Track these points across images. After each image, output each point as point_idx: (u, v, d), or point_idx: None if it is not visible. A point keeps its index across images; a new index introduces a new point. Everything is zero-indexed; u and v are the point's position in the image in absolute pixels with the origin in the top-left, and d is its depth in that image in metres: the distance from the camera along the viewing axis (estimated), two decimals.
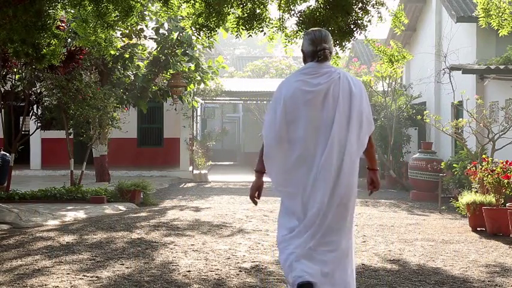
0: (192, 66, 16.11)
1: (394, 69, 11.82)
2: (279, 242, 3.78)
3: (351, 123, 3.69)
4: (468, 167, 9.06)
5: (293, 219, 3.73)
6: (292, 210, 3.75)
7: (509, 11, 7.67)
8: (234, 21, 7.45)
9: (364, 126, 3.75)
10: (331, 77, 3.70)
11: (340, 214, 3.68)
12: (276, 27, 7.62)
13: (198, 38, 9.04)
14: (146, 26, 14.95)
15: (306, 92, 3.69)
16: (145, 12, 13.81)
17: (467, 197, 8.14)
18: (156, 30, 15.21)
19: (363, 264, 5.52)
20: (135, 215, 8.83)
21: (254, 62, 31.38)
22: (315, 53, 3.75)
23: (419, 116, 13.61)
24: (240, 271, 5.12)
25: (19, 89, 11.50)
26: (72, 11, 9.11)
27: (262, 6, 7.44)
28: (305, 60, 3.85)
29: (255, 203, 4.00)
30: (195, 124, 20.42)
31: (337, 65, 7.94)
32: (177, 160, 19.03)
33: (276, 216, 5.88)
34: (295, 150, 3.71)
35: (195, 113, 20.24)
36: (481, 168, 8.18)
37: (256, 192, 3.94)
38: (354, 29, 7.30)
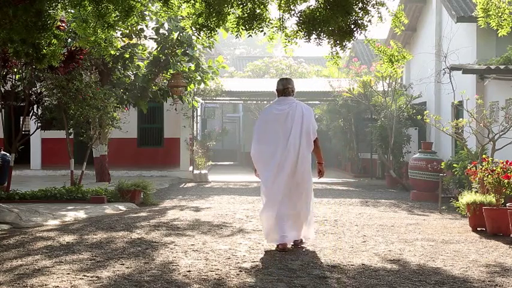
0: (192, 66, 16.10)
1: (394, 69, 11.82)
2: (262, 208, 6.24)
3: (302, 133, 6.13)
4: (468, 167, 9.05)
5: (267, 197, 6.14)
6: (266, 190, 6.16)
7: (508, 11, 7.66)
8: (234, 21, 7.44)
9: (310, 135, 6.20)
10: (291, 105, 6.25)
11: (297, 190, 6.10)
12: (276, 27, 7.61)
13: (198, 38, 9.02)
14: (146, 26, 14.92)
15: (275, 113, 6.26)
16: (145, 12, 13.79)
17: (467, 197, 8.14)
18: (156, 30, 15.21)
19: (363, 264, 5.52)
20: (135, 215, 8.83)
21: (254, 62, 31.36)
22: (283, 91, 6.36)
23: (419, 116, 13.61)
24: (240, 271, 5.12)
25: (19, 89, 11.50)
26: (72, 11, 9.10)
27: (262, 6, 7.43)
28: (278, 95, 6.40)
29: (258, 177, 6.38)
30: (195, 124, 20.41)
31: (338, 65, 7.96)
32: (177, 160, 19.03)
33: None
34: (268, 149, 6.18)
35: (195, 113, 20.23)
36: (481, 168, 8.18)
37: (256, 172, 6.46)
38: (354, 29, 7.29)
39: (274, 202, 6.06)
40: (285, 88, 6.37)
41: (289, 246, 6.12)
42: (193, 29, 7.71)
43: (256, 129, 6.35)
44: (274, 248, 6.11)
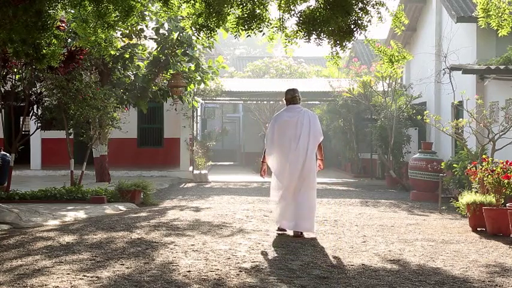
0: (192, 66, 16.09)
1: (394, 69, 11.84)
2: (274, 201, 7.35)
3: (310, 136, 7.15)
4: (468, 167, 9.05)
5: (280, 190, 7.18)
6: (279, 184, 7.20)
7: (508, 11, 7.66)
8: (234, 21, 7.44)
9: (317, 138, 7.22)
10: (300, 112, 7.29)
11: (304, 183, 7.08)
12: (275, 27, 7.60)
13: (198, 38, 9.02)
14: (146, 26, 14.92)
15: (286, 120, 7.28)
16: (145, 12, 13.79)
17: (467, 197, 8.14)
18: (156, 30, 15.20)
19: (363, 264, 5.52)
20: (135, 215, 8.83)
21: (254, 62, 31.33)
22: (292, 99, 7.39)
23: (419, 116, 13.60)
24: (240, 271, 5.12)
25: (19, 89, 11.50)
26: (72, 11, 9.10)
27: (262, 7, 7.42)
28: (287, 103, 7.43)
29: (263, 177, 7.67)
30: (195, 124, 20.41)
31: (338, 65, 7.97)
32: (177, 160, 19.03)
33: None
34: (281, 150, 7.22)
35: (195, 113, 20.23)
36: (481, 168, 8.18)
37: (262, 170, 7.58)
38: (354, 29, 7.28)
39: (286, 194, 7.10)
40: (293, 97, 7.39)
41: (290, 232, 7.14)
42: (193, 29, 7.71)
43: (270, 133, 7.39)
44: (280, 232, 7.22)
